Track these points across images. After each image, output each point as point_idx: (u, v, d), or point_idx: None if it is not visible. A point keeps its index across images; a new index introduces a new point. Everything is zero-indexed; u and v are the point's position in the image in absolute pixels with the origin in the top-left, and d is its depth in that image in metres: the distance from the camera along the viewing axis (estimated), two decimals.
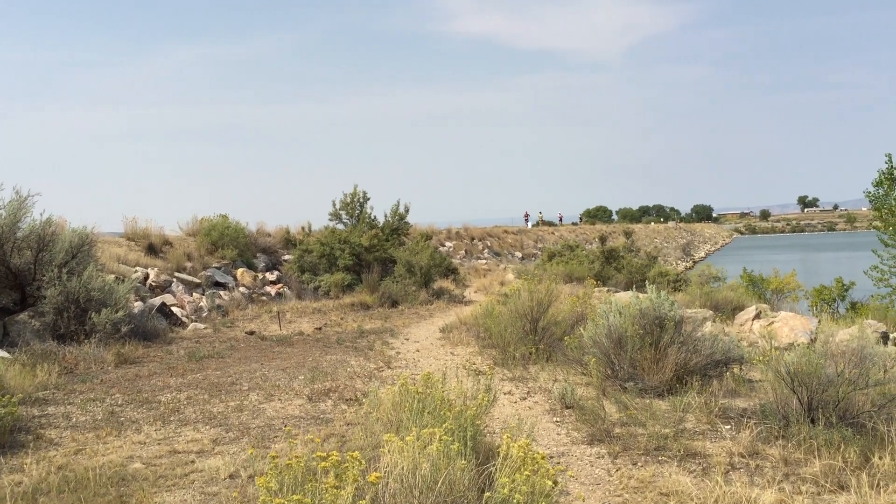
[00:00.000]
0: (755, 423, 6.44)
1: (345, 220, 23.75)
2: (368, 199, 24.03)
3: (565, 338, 9.52)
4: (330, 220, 23.76)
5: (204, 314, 15.91)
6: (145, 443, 6.68)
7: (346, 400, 8.19)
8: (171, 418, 7.54)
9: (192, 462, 6.08)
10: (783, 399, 6.68)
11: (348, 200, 23.86)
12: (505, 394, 8.30)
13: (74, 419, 7.49)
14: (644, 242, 53.90)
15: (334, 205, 23.77)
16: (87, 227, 13.42)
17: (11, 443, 6.60)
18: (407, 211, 24.40)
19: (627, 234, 34.10)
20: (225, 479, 5.60)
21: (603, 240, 26.44)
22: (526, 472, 3.77)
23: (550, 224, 60.79)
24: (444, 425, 4.46)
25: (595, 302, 12.28)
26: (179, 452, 6.36)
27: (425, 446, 4.08)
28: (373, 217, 23.85)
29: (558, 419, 7.27)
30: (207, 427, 7.19)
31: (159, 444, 6.63)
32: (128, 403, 8.12)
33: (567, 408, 7.60)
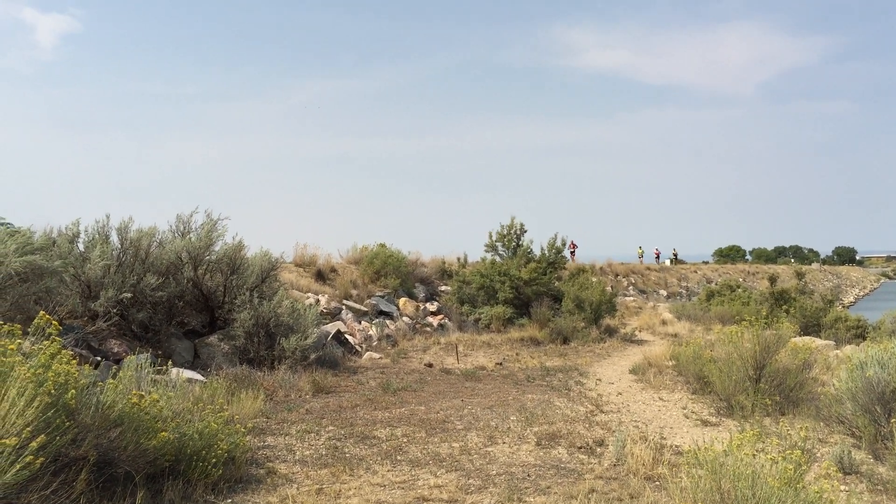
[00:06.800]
0: None
1: (501, 252, 23.16)
2: (525, 231, 23.37)
3: (820, 390, 8.47)
4: (486, 251, 23.20)
5: (374, 343, 15.58)
6: (385, 485, 6.15)
7: (579, 448, 7.44)
8: (399, 458, 7.01)
9: None
10: None
11: (505, 232, 23.27)
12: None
13: (299, 453, 7.07)
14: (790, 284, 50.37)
15: (491, 236, 23.22)
16: (269, 252, 13.32)
17: (247, 477, 6.21)
18: (564, 245, 23.57)
19: (800, 276, 31.97)
20: None
21: (772, 280, 24.76)
22: None
23: (680, 262, 57.39)
24: None
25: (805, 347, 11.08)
26: (429, 500, 5.78)
27: None
28: (529, 250, 23.14)
29: (845, 487, 6.27)
30: (443, 471, 6.61)
31: (402, 488, 6.08)
32: (346, 438, 7.66)
33: (846, 474, 6.59)
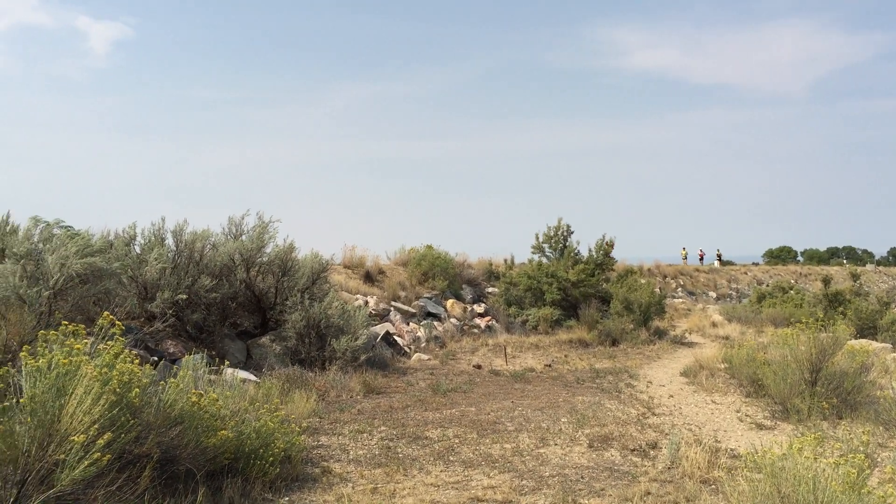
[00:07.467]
0: None
1: (548, 254, 23.05)
2: (572, 232, 23.22)
3: (878, 394, 8.29)
4: (533, 252, 23.13)
5: (422, 344, 15.65)
6: (438, 486, 6.18)
7: (632, 450, 7.40)
8: (451, 458, 7.04)
9: None
10: None
11: (552, 233, 23.17)
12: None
13: (352, 453, 7.15)
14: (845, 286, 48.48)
15: (537, 237, 23.14)
16: (320, 253, 13.45)
17: (303, 476, 6.30)
18: (612, 246, 23.36)
19: (855, 277, 31.17)
20: None
21: (826, 281, 24.24)
22: None
23: (727, 263, 55.79)
24: None
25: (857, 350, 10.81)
26: (484, 501, 5.80)
27: None
28: (577, 251, 23.00)
29: None
30: (496, 472, 6.62)
31: (456, 488, 6.11)
32: (398, 438, 7.72)
33: None
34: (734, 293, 41.19)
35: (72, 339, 5.29)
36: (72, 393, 4.85)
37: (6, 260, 9.40)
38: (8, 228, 11.73)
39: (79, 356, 5.05)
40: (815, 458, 4.45)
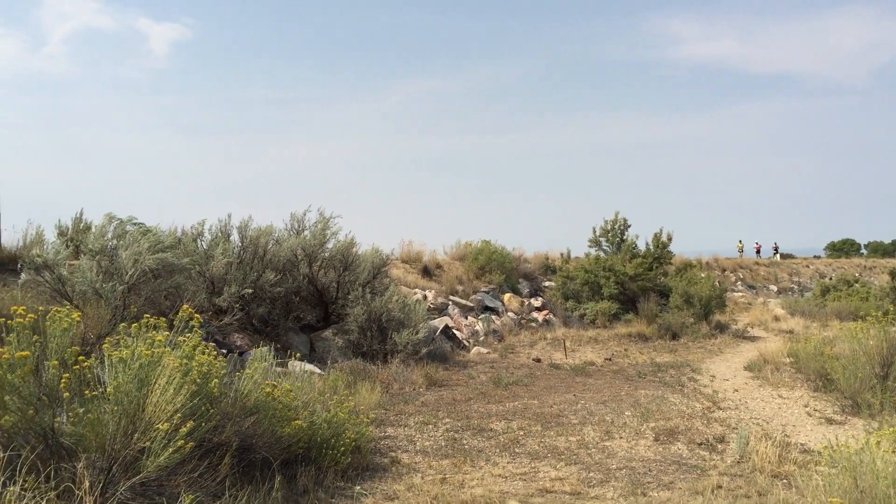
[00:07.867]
0: None
1: (605, 248, 22.89)
2: (629, 225, 23.00)
3: None
4: (590, 246, 22.97)
5: (481, 338, 15.72)
6: (506, 477, 6.24)
7: (699, 444, 7.35)
8: (517, 450, 7.10)
9: None
10: None
11: (608, 227, 22.99)
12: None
13: (419, 443, 7.26)
14: None
15: (594, 231, 22.99)
16: (380, 248, 13.61)
17: (372, 466, 6.42)
18: (670, 239, 23.08)
19: None
20: None
21: (893, 274, 23.62)
22: None
23: (788, 256, 54.39)
24: None
25: None
26: (552, 492, 5.84)
27: None
28: (634, 245, 22.78)
29: None
30: (562, 464, 6.65)
31: (524, 479, 6.17)
32: (463, 430, 7.80)
33: None
34: (796, 286, 40.35)
35: (153, 332, 5.49)
36: (154, 382, 5.03)
37: (81, 256, 9.75)
38: (81, 226, 12.18)
39: (160, 348, 5.24)
40: (894, 452, 4.38)
